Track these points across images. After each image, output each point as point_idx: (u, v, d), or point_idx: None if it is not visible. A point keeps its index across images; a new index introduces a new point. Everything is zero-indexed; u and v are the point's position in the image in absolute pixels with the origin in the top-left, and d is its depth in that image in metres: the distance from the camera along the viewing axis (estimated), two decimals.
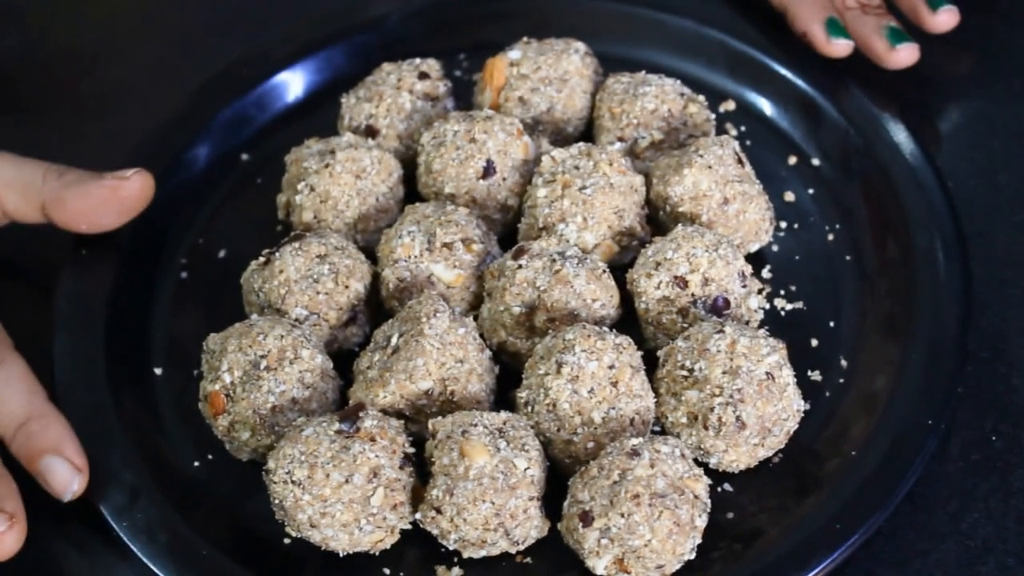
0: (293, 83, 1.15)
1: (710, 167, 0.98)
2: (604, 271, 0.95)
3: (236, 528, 0.92)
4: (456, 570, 0.88)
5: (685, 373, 0.89)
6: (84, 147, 1.17)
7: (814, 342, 0.97)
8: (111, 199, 1.00)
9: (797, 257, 1.03)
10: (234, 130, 1.13)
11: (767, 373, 0.88)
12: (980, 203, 1.07)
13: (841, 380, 0.95)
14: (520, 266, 0.93)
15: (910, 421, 0.90)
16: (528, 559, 0.88)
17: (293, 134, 1.10)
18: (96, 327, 0.99)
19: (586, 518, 0.83)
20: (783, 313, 0.99)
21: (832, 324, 0.98)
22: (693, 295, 0.93)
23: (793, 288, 1.01)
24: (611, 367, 0.89)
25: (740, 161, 1.00)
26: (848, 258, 1.02)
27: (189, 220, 1.08)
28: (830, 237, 1.04)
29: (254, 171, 1.12)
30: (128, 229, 1.03)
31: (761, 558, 0.85)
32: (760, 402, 0.87)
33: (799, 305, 1.00)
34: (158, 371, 0.99)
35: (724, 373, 0.88)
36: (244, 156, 1.12)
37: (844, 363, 0.96)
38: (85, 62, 1.27)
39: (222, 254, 1.06)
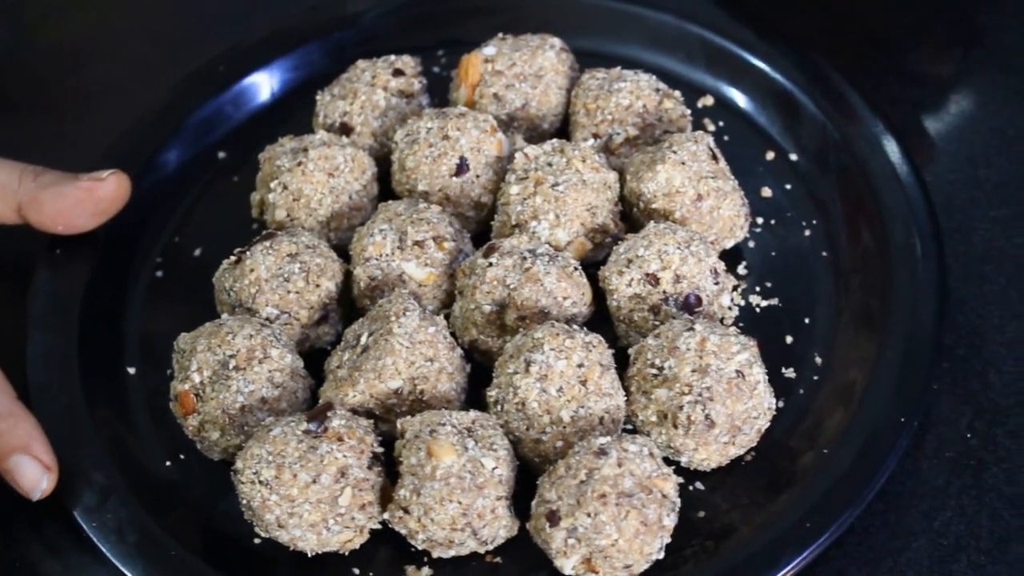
0: (269, 81, 1.15)
1: (683, 163, 0.97)
2: (576, 269, 0.94)
3: (207, 528, 0.91)
4: (426, 570, 0.88)
5: (655, 371, 0.89)
6: (67, 145, 1.17)
7: (789, 339, 0.97)
8: (87, 200, 1.00)
9: (773, 253, 1.02)
10: (210, 128, 1.13)
11: (737, 371, 0.87)
12: (959, 198, 1.07)
13: (815, 377, 0.94)
14: (491, 264, 0.93)
15: (884, 418, 0.89)
16: (498, 559, 0.88)
17: (269, 132, 1.10)
18: (70, 326, 0.99)
19: (553, 518, 0.83)
20: (758, 310, 0.99)
21: (807, 320, 0.98)
22: (664, 292, 0.93)
23: (769, 285, 1.00)
24: (580, 365, 0.88)
25: (715, 157, 1.00)
26: (824, 254, 1.01)
27: (165, 218, 1.08)
28: (807, 233, 1.03)
29: (230, 169, 1.12)
30: (103, 228, 1.03)
31: (731, 557, 0.85)
32: (730, 400, 0.87)
33: (774, 302, 0.99)
34: (131, 370, 0.99)
35: (693, 371, 0.87)
36: (221, 154, 1.12)
37: (818, 360, 0.95)
38: (70, 61, 1.27)
39: (198, 252, 1.06)
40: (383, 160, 1.05)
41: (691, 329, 0.89)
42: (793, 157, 1.07)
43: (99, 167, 1.02)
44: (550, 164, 0.98)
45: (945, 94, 1.16)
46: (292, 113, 1.13)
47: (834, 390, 0.93)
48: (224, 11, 1.30)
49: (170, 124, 1.11)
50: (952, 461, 0.92)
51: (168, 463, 0.94)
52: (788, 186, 1.06)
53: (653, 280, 0.92)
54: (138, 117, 1.11)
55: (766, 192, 1.05)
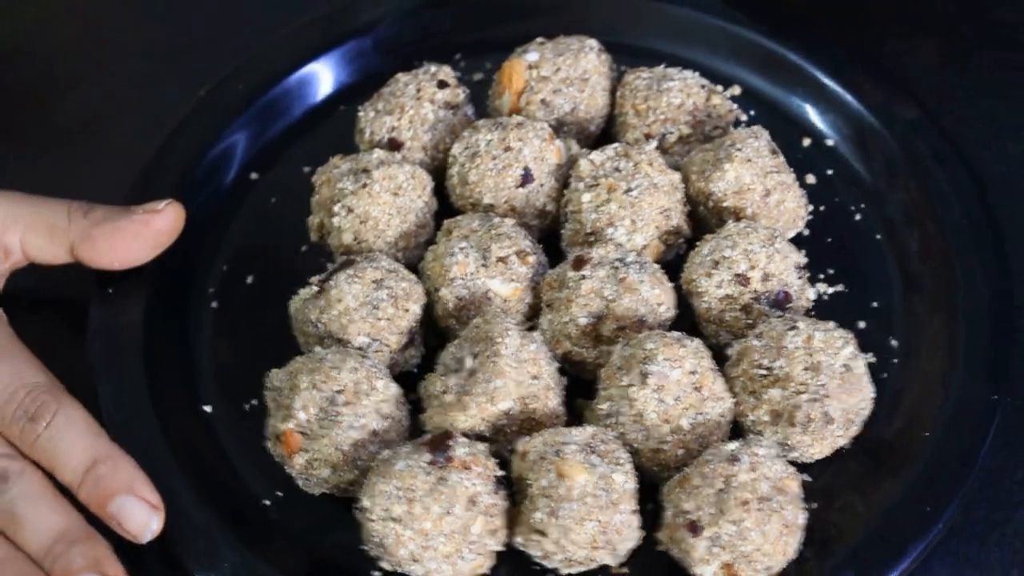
0: (292, 94, 1.13)
1: (750, 160, 0.99)
2: (662, 273, 0.95)
3: (320, 564, 0.90)
4: None
5: (764, 371, 0.90)
6: (79, 169, 1.13)
7: (861, 324, 0.99)
8: (144, 233, 0.97)
9: (829, 240, 1.04)
10: (239, 149, 1.09)
11: (844, 365, 0.89)
12: (996, 174, 1.10)
13: (895, 360, 0.97)
14: (584, 276, 0.93)
15: (977, 397, 0.92)
16: (625, 569, 0.88)
17: (301, 149, 1.09)
18: (135, 367, 0.96)
19: (694, 528, 0.84)
20: (826, 297, 1.01)
21: (875, 304, 1.00)
22: (755, 291, 0.94)
23: (831, 271, 1.02)
24: (693, 372, 0.89)
25: (774, 151, 1.01)
26: (879, 236, 1.04)
27: (213, 247, 1.05)
28: (857, 217, 1.05)
29: (266, 190, 1.09)
30: (152, 261, 0.99)
31: (858, 547, 0.87)
32: (843, 395, 0.89)
33: (840, 288, 1.01)
34: (208, 408, 0.97)
35: (805, 369, 0.89)
36: (253, 175, 1.09)
37: (894, 343, 0.98)
38: (67, 79, 1.22)
39: (250, 280, 1.04)
40: (435, 173, 1.04)
41: (795, 327, 0.90)
42: (830, 142, 1.09)
43: (113, 195, 0.99)
44: (618, 169, 0.98)
45: (976, 71, 1.19)
46: (321, 128, 1.12)
47: (918, 372, 0.96)
48: (222, 24, 1.26)
49: (199, 147, 1.07)
50: None
51: (267, 501, 0.92)
52: (830, 171, 1.08)
53: (743, 280, 0.94)
54: (166, 140, 1.08)
55: (810, 179, 1.07)
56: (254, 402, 0.96)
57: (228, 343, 1.01)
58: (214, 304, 1.03)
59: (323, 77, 1.14)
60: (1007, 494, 0.93)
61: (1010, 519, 0.92)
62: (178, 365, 0.98)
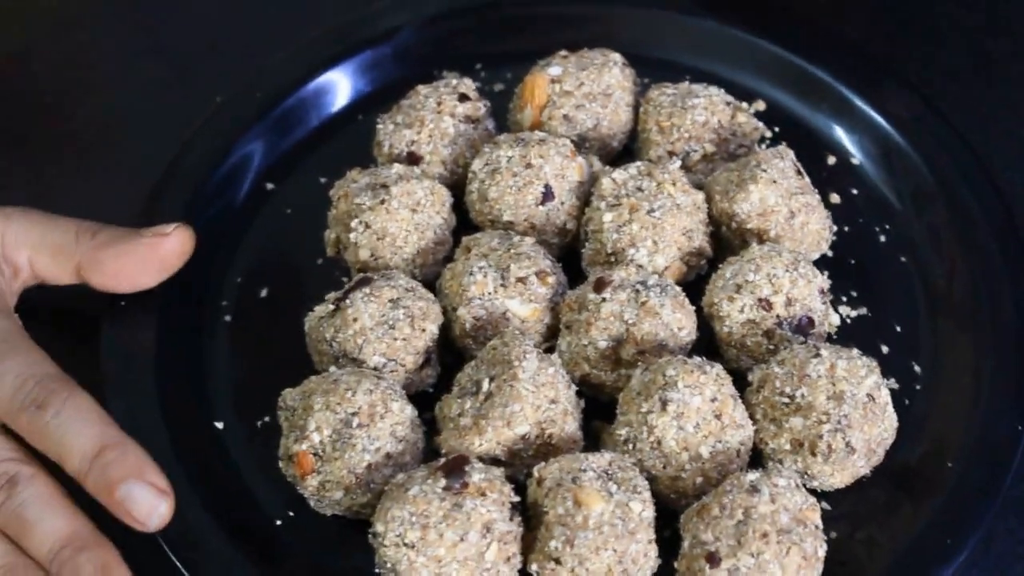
0: (309, 103, 1.11)
1: (775, 181, 0.97)
2: (684, 296, 0.94)
3: None
4: None
5: (786, 400, 0.89)
6: (91, 179, 1.12)
7: (884, 349, 0.98)
8: (151, 257, 0.96)
9: (852, 261, 1.03)
10: (255, 159, 1.08)
11: (868, 395, 0.88)
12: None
13: (918, 387, 0.96)
14: (604, 299, 0.91)
15: (1004, 425, 0.91)
16: None
17: (317, 159, 1.08)
18: (148, 385, 0.95)
19: (713, 559, 0.82)
20: (848, 320, 1.00)
21: (899, 328, 0.99)
22: (778, 316, 0.93)
23: (854, 294, 1.01)
24: (713, 400, 0.88)
25: (799, 171, 1.00)
26: (903, 259, 1.03)
27: (226, 259, 1.04)
28: (882, 238, 1.04)
29: (281, 201, 1.08)
30: None
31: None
32: (866, 425, 0.88)
33: (863, 311, 1.00)
34: (220, 425, 0.95)
35: (828, 399, 0.88)
36: (269, 186, 1.08)
37: (917, 369, 0.97)
38: (79, 87, 1.21)
39: (264, 293, 1.03)
40: (454, 188, 1.02)
41: (818, 355, 0.89)
42: (855, 161, 1.08)
43: (133, 208, 0.99)
44: (640, 189, 0.97)
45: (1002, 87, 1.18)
46: (339, 137, 1.11)
47: (942, 399, 0.94)
48: (232, 30, 1.25)
49: (214, 156, 1.06)
50: None
51: (279, 522, 0.91)
52: (854, 191, 1.07)
53: (766, 305, 0.92)
54: (180, 150, 1.06)
55: (835, 198, 1.06)
56: (267, 419, 0.95)
57: (241, 358, 1.00)
58: (227, 318, 1.01)
59: (341, 86, 1.13)
60: None
61: None
62: (190, 380, 0.97)
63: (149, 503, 0.84)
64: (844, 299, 1.00)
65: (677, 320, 0.92)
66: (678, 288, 0.94)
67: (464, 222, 1.02)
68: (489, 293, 0.94)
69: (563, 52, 1.07)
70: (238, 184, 1.07)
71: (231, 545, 0.88)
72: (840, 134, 1.10)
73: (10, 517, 0.85)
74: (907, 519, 0.89)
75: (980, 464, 0.90)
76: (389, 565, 0.84)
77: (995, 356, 0.94)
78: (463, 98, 1.04)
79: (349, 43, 1.14)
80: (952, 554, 0.86)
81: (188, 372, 0.98)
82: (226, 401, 0.97)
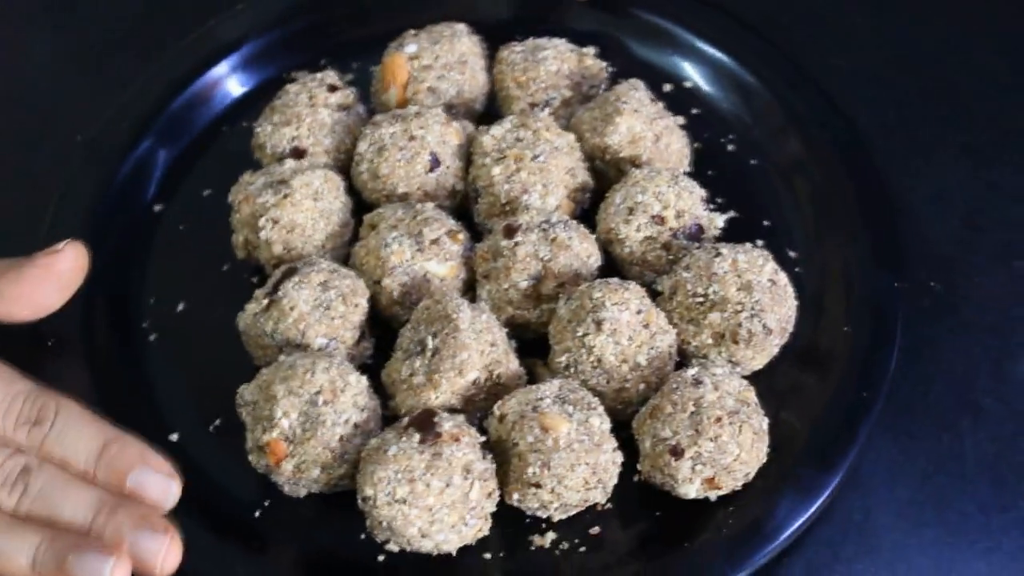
0: (175, 126, 1.15)
1: (636, 111, 1.06)
2: (583, 227, 1.01)
3: (329, 562, 0.93)
4: (550, 534, 0.93)
5: (700, 299, 0.97)
6: None
7: (759, 242, 1.06)
8: (48, 278, 0.97)
9: (710, 172, 1.11)
10: (137, 186, 1.11)
11: (770, 280, 0.97)
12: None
13: (797, 269, 1.05)
14: (517, 243, 0.98)
15: (880, 288, 1.02)
16: (609, 504, 0.94)
17: (196, 174, 1.12)
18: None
19: (676, 451, 0.90)
20: (724, 225, 1.08)
21: (767, 223, 1.08)
22: (672, 229, 1.01)
23: (720, 200, 1.10)
24: (639, 312, 0.96)
25: (653, 99, 1.08)
26: (754, 162, 1.12)
27: (137, 284, 1.07)
28: (730, 148, 1.14)
29: (173, 219, 1.11)
30: (80, 309, 1.01)
31: (812, 441, 0.95)
32: (776, 307, 0.97)
33: (732, 214, 1.09)
34: (174, 437, 0.98)
35: (738, 290, 0.96)
36: (157, 207, 1.11)
37: (793, 254, 1.06)
38: None
39: (181, 307, 1.06)
40: (340, 173, 1.07)
41: (719, 255, 0.98)
42: (688, 85, 1.18)
43: (41, 242, 0.98)
44: (519, 139, 1.04)
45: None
46: (212, 149, 1.15)
47: (821, 276, 1.04)
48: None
49: (97, 192, 1.09)
50: (927, 309, 1.07)
51: (257, 513, 0.95)
52: (695, 111, 1.16)
53: (660, 220, 1.01)
54: (66, 180, 1.09)
55: (680, 120, 1.14)
56: (218, 422, 0.99)
57: (177, 370, 1.03)
58: (152, 337, 1.04)
59: (199, 106, 1.17)
60: (922, 367, 1.03)
61: (928, 390, 1.02)
62: (135, 403, 0.99)
63: (160, 485, 0.87)
64: (712, 206, 1.08)
65: (585, 249, 1.00)
66: (575, 221, 1.02)
67: (359, 203, 1.08)
68: (407, 260, 0.99)
69: (411, 31, 1.13)
70: (128, 213, 1.10)
71: (220, 544, 0.92)
72: (673, 62, 1.19)
73: (37, 502, 0.86)
74: (824, 384, 0.98)
75: (870, 322, 1.00)
76: (384, 524, 0.89)
77: (855, 226, 1.05)
78: (332, 88, 1.10)
79: (193, 64, 1.18)
80: (870, 404, 0.96)
81: (130, 396, 1.00)
82: (174, 414, 1.00)
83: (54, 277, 0.97)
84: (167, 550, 0.84)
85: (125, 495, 0.86)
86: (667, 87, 1.17)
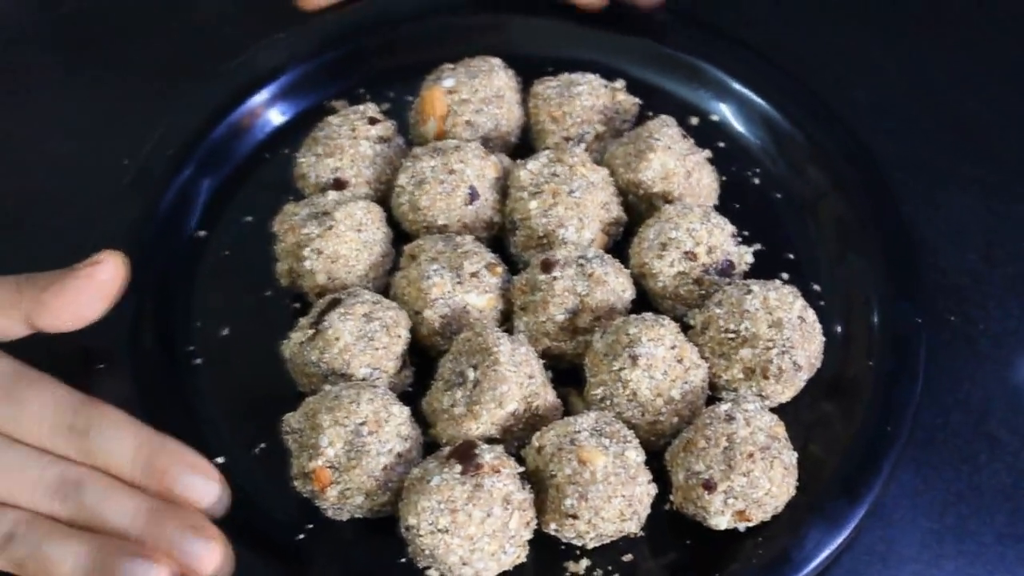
0: (217, 154, 1.18)
1: (669, 147, 1.09)
2: (618, 262, 1.05)
3: None
4: (584, 561, 0.96)
5: (731, 335, 1.00)
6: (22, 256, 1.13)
7: (785, 276, 1.10)
8: (89, 288, 0.98)
9: (737, 205, 1.15)
10: (182, 213, 1.14)
11: (799, 316, 1.01)
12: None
13: (822, 303, 1.08)
14: (555, 277, 1.01)
15: (903, 320, 1.05)
16: (641, 532, 0.98)
17: (239, 201, 1.15)
18: None
19: (709, 486, 0.94)
20: (751, 258, 1.11)
21: (792, 256, 1.12)
22: (704, 264, 1.04)
23: (746, 233, 1.13)
24: (673, 347, 0.99)
25: (684, 135, 1.12)
26: (779, 195, 1.16)
27: (183, 310, 1.10)
28: (756, 181, 1.17)
29: (217, 246, 1.14)
30: (127, 333, 1.04)
31: (839, 473, 0.98)
32: (805, 343, 1.00)
33: (758, 247, 1.12)
34: (221, 460, 1.01)
35: (769, 327, 0.99)
36: (201, 233, 1.14)
37: (817, 288, 1.09)
38: None
39: (226, 332, 1.08)
40: (381, 204, 1.10)
41: (750, 291, 1.01)
42: (715, 118, 1.21)
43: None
44: (555, 174, 1.07)
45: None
46: (253, 178, 1.18)
47: (845, 309, 1.07)
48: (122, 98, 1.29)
49: (143, 219, 1.12)
50: (955, 326, 1.10)
51: (301, 536, 0.98)
52: (722, 144, 1.19)
53: (692, 256, 1.04)
54: (110, 207, 1.12)
55: (707, 154, 1.16)
56: (263, 445, 1.02)
57: (223, 394, 1.05)
58: (198, 360, 1.07)
59: (241, 135, 1.20)
60: (940, 398, 1.06)
61: (947, 422, 1.05)
62: (181, 426, 1.00)
63: (209, 490, 0.90)
64: (739, 239, 1.11)
65: (620, 284, 1.03)
66: (610, 256, 1.05)
67: (399, 234, 1.11)
68: (448, 292, 1.02)
69: (448, 64, 1.16)
70: (172, 239, 1.13)
71: (263, 565, 0.95)
72: (697, 96, 1.22)
73: (83, 511, 0.88)
74: (849, 417, 1.01)
75: (894, 355, 1.03)
76: (427, 552, 0.92)
77: (879, 260, 1.08)
78: (373, 121, 1.13)
79: (235, 93, 1.21)
80: (895, 437, 0.99)
81: (176, 419, 1.02)
82: (220, 437, 1.03)
83: (95, 287, 0.98)
84: (215, 556, 0.87)
85: (173, 501, 0.89)
86: (694, 120, 1.20)
